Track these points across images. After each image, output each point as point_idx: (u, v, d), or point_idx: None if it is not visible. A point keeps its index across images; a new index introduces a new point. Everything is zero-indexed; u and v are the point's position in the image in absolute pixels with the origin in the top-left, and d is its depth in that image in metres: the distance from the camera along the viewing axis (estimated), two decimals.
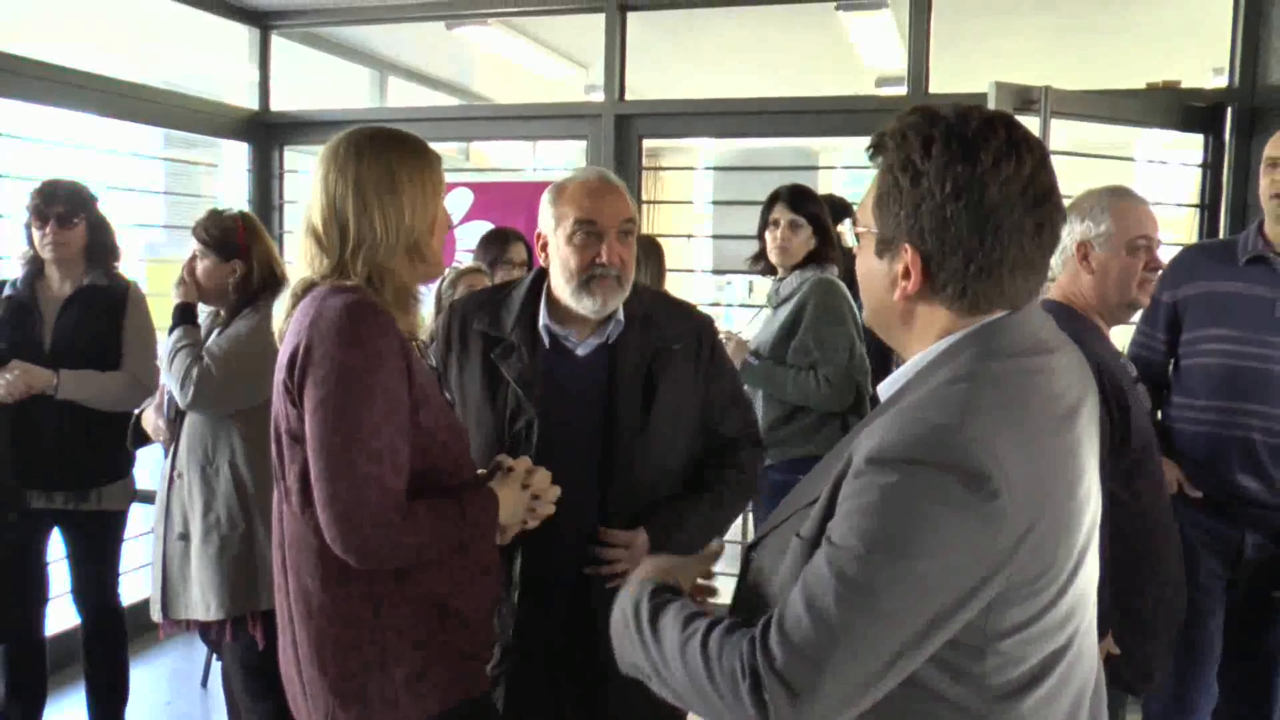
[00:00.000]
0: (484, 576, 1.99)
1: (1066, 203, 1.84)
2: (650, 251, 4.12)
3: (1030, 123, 3.50)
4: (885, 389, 1.45)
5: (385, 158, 1.90)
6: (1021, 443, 1.28)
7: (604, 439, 2.28)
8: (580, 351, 2.33)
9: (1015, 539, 1.25)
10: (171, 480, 3.15)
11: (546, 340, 2.32)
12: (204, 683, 4.58)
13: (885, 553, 1.24)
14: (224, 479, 3.08)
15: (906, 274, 1.39)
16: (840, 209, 4.37)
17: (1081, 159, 3.66)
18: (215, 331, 3.19)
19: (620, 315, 2.32)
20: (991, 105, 3.42)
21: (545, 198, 2.30)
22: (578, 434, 2.29)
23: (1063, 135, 3.69)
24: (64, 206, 3.48)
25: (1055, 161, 1.43)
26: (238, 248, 3.15)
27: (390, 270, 1.90)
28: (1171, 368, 3.12)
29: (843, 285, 3.74)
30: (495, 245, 4.31)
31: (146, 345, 3.64)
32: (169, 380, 3.09)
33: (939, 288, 1.38)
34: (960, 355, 1.36)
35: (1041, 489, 1.28)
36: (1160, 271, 2.61)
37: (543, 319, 2.33)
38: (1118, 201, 2.57)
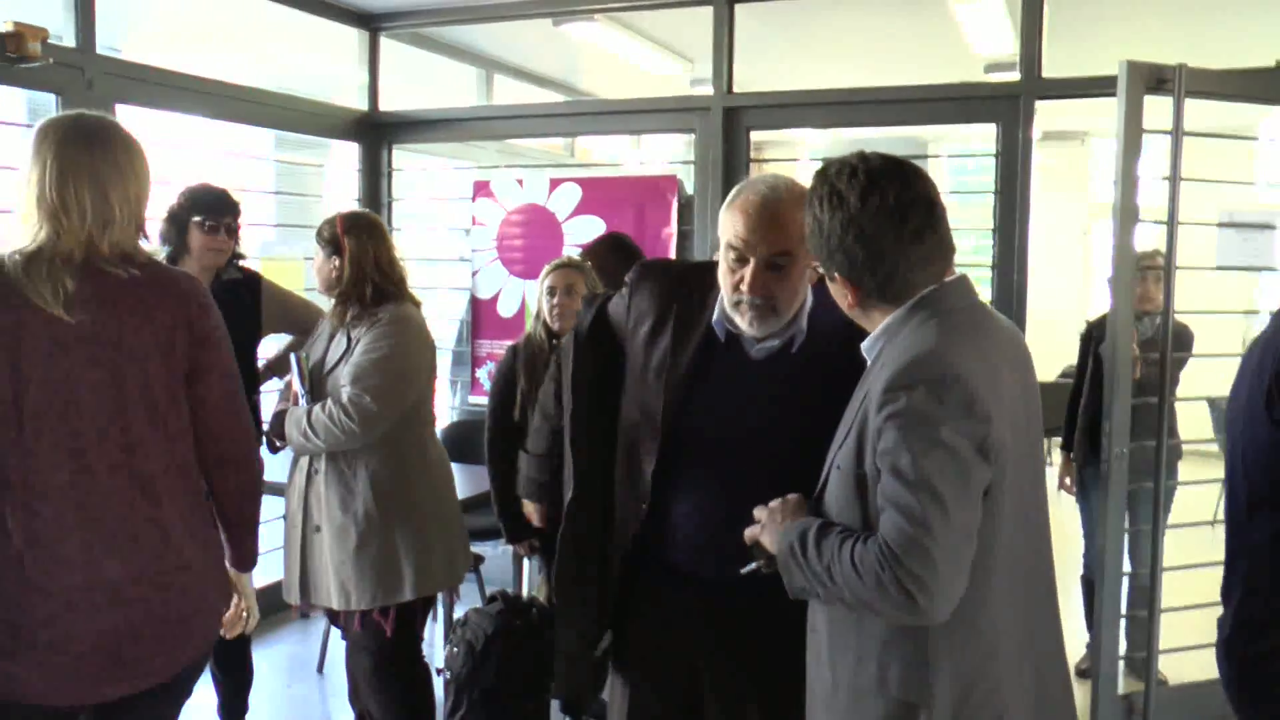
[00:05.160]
0: None
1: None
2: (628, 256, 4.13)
3: (1162, 102, 3.38)
4: (868, 348, 1.93)
5: None
6: (978, 357, 1.80)
7: (774, 447, 2.23)
8: (754, 353, 2.27)
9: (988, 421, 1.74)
10: (310, 475, 3.25)
11: (721, 333, 2.28)
12: (320, 668, 4.69)
13: (924, 452, 1.70)
14: (362, 477, 3.17)
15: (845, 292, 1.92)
16: None
17: (1202, 139, 3.50)
18: (339, 345, 3.27)
19: (804, 324, 2.25)
20: (1121, 86, 3.30)
21: (728, 196, 2.27)
22: (737, 435, 2.26)
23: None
24: (231, 217, 3.70)
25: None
26: (338, 246, 3.25)
27: None
28: None
29: None
30: (627, 258, 4.31)
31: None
32: (326, 444, 3.15)
33: (867, 296, 1.89)
34: (914, 315, 1.85)
35: (994, 386, 1.78)
36: None
37: (718, 313, 2.28)
38: None
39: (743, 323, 2.21)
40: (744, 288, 2.16)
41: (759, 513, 2.01)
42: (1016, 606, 1.86)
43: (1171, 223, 3.46)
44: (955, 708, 1.80)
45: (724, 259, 2.20)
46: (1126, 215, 3.37)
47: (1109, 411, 3.41)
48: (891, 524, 1.71)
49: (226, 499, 2.31)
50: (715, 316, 2.28)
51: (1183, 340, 4.17)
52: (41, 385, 2.05)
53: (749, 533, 2.01)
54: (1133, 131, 3.36)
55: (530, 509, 3.49)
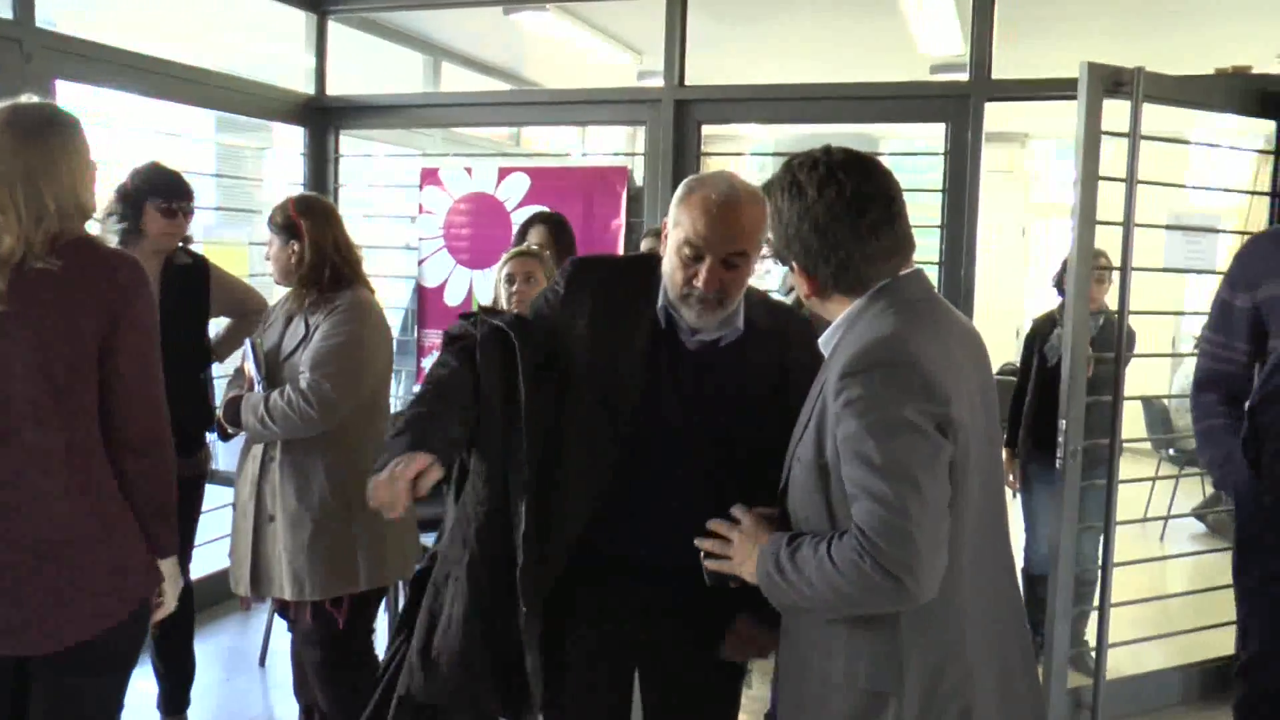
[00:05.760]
0: None
1: None
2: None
3: (1120, 106, 3.43)
4: (825, 341, 1.96)
5: None
6: (937, 346, 1.81)
7: (723, 434, 2.26)
8: (689, 344, 2.30)
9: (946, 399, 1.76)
10: (264, 464, 3.18)
11: (663, 320, 2.30)
12: (261, 661, 4.61)
13: (889, 435, 1.71)
14: (319, 467, 3.12)
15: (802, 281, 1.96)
16: None
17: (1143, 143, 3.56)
18: (295, 331, 3.20)
19: (740, 322, 2.29)
20: (1081, 88, 3.35)
21: (678, 190, 2.27)
22: (690, 422, 2.28)
23: (1122, 117, 3.56)
24: (187, 200, 3.63)
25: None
26: (295, 230, 3.18)
27: None
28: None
29: None
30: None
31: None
32: (284, 431, 3.09)
33: (823, 286, 1.91)
34: (873, 306, 1.88)
35: (951, 372, 1.80)
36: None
37: (661, 299, 2.30)
38: None
39: (690, 315, 2.25)
40: (698, 283, 2.19)
41: (713, 545, 2.02)
42: (983, 592, 1.88)
43: (1127, 224, 3.51)
44: (924, 697, 1.81)
45: (676, 253, 2.22)
46: (1086, 216, 3.41)
47: (1065, 410, 3.47)
48: (866, 512, 1.71)
49: (130, 483, 2.26)
50: (660, 303, 2.30)
51: (1130, 340, 4.25)
52: None
53: (712, 566, 2.03)
54: (1092, 133, 3.40)
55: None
